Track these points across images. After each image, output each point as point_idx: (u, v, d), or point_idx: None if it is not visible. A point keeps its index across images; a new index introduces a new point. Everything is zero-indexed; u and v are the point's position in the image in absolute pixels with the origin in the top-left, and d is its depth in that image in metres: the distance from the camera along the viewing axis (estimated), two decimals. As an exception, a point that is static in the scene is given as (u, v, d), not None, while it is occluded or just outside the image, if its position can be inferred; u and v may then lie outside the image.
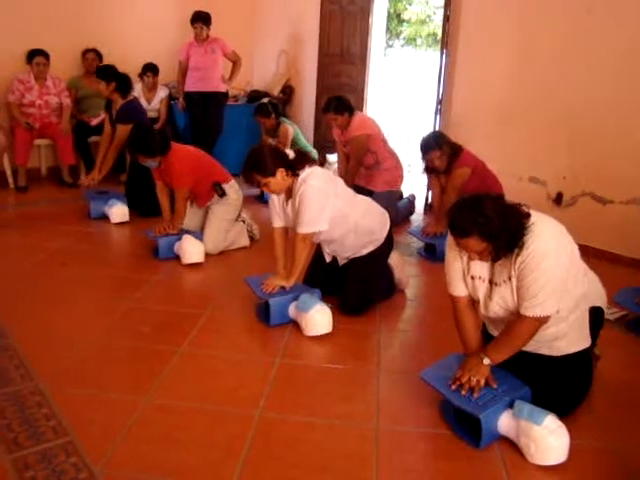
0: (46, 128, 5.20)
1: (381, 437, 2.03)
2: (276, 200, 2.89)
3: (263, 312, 2.87)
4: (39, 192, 5.13)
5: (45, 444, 1.89)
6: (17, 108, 5.10)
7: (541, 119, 4.12)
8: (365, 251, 2.97)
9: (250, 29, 6.56)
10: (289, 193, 2.81)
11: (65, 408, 2.08)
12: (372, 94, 5.88)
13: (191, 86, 5.48)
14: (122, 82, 4.38)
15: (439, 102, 4.78)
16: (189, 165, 3.69)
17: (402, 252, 3.74)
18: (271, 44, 6.46)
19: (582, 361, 2.12)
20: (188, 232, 3.67)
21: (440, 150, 3.75)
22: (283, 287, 2.84)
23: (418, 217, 4.84)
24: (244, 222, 3.97)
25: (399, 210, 4.60)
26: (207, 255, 3.63)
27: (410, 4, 14.68)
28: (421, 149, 3.83)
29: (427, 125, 5.21)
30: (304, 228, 2.75)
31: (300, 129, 5.53)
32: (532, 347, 2.07)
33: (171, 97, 5.74)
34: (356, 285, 2.97)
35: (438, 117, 4.81)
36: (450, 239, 2.07)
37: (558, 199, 4.09)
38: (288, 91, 6.34)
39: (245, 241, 3.94)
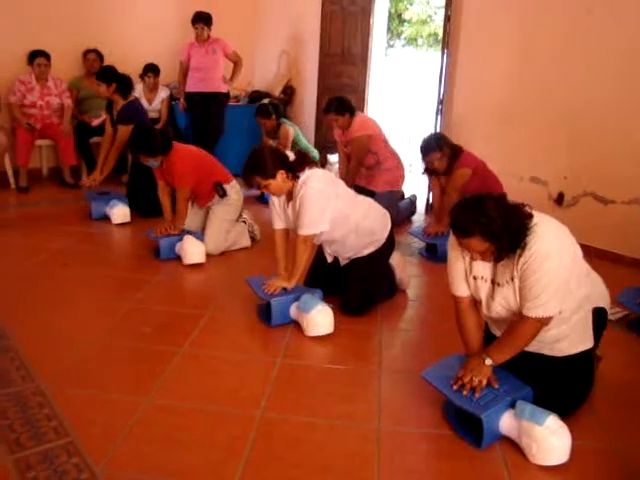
0: (47, 129, 5.21)
1: (382, 437, 2.02)
2: (277, 202, 2.89)
3: (264, 312, 2.87)
4: (40, 193, 5.14)
5: (47, 445, 1.89)
6: (18, 109, 5.11)
7: (541, 119, 4.12)
8: (366, 251, 2.97)
9: (251, 29, 6.57)
10: (290, 195, 2.80)
11: (66, 409, 2.08)
12: (373, 94, 5.87)
13: (192, 86, 5.48)
14: (122, 83, 4.38)
15: (440, 102, 4.78)
16: (191, 165, 3.69)
17: (403, 252, 3.74)
18: (272, 44, 6.46)
19: (584, 361, 2.12)
20: (189, 232, 3.67)
21: (440, 152, 3.75)
22: (284, 288, 2.84)
23: (419, 217, 4.84)
24: (245, 223, 3.97)
25: (400, 210, 4.60)
26: (208, 256, 3.62)
27: (411, 4, 14.68)
28: (421, 151, 3.83)
29: (428, 125, 5.20)
30: (305, 230, 2.75)
31: (301, 130, 5.53)
32: (534, 348, 2.07)
33: (172, 98, 5.74)
34: (358, 285, 2.97)
35: (439, 117, 4.80)
36: (452, 239, 2.06)
37: (559, 199, 4.09)
38: (289, 92, 6.34)
39: (246, 242, 3.94)
